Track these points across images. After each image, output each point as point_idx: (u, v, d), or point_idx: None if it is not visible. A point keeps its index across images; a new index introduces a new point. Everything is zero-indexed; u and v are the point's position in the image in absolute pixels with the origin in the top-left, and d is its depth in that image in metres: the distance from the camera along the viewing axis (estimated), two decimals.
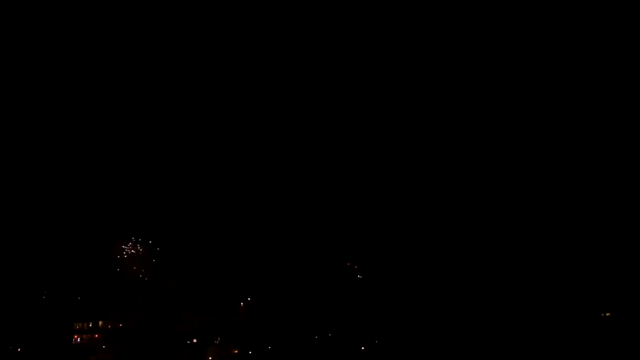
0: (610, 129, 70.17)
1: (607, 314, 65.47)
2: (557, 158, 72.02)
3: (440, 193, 74.77)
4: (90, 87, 73.45)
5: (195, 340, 68.06)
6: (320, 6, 74.13)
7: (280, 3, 74.57)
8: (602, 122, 70.51)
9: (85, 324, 67.95)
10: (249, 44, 76.78)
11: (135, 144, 75.66)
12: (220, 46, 76.79)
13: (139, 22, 73.35)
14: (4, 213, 68.53)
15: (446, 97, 76.28)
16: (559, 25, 71.25)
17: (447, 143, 75.41)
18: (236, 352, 68.14)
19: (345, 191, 76.67)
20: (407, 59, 76.52)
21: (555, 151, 72.13)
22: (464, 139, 75.17)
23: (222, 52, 76.57)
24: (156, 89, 75.16)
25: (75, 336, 67.24)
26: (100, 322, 68.38)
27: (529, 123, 73.26)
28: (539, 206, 71.58)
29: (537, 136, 72.81)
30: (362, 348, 67.39)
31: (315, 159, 78.33)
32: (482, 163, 74.15)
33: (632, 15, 67.45)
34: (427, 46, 75.48)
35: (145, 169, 75.41)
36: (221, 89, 77.44)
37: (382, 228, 75.47)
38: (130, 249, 74.65)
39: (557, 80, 72.34)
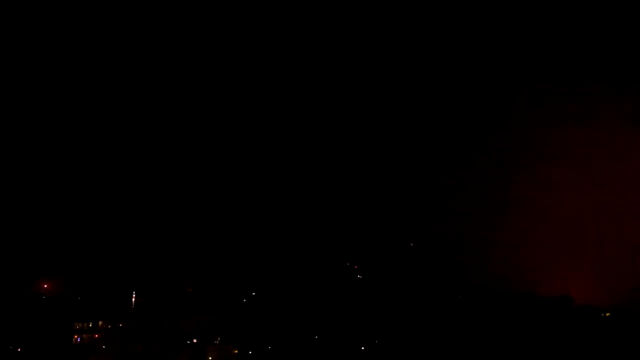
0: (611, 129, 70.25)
1: (607, 314, 65.52)
2: (556, 158, 72.11)
3: (440, 193, 74.81)
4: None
5: (195, 340, 68.06)
6: (320, 6, 74.15)
7: (280, 3, 74.58)
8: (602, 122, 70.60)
9: (85, 324, 67.87)
10: (249, 44, 76.79)
11: (134, 144, 75.74)
12: (218, 47, 76.82)
13: (139, 22, 73.38)
14: (4, 213, 68.54)
15: (446, 97, 76.33)
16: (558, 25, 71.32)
17: (447, 143, 75.45)
18: (236, 352, 68.13)
19: (345, 191, 76.68)
20: (407, 59, 76.56)
21: (554, 151, 72.23)
22: (464, 139, 75.21)
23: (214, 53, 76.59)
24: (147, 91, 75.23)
25: (75, 336, 67.17)
26: (100, 322, 68.32)
27: (527, 123, 73.34)
28: (539, 206, 71.65)
29: (536, 136, 72.89)
30: (362, 348, 67.39)
31: (315, 159, 78.36)
32: (482, 163, 74.19)
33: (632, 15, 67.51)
34: (427, 46, 75.52)
35: (145, 167, 75.49)
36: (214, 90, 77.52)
37: (382, 228, 75.48)
38: (130, 249, 74.59)
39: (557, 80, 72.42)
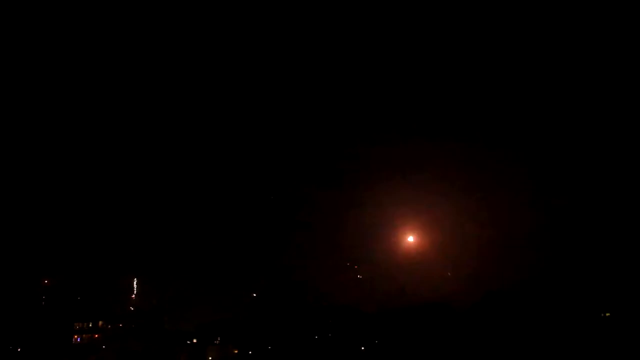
0: (611, 130, 70.26)
1: (607, 314, 65.46)
2: (557, 158, 72.12)
3: (439, 193, 74.85)
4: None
5: (195, 340, 68.16)
6: (320, 6, 74.15)
7: (280, 3, 74.57)
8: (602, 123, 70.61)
9: (85, 324, 68.00)
10: (248, 44, 76.86)
11: (134, 145, 75.90)
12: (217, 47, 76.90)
13: (139, 22, 73.43)
14: (4, 213, 68.66)
15: (446, 97, 76.41)
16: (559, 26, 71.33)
17: (446, 142, 75.45)
18: (236, 352, 68.21)
19: (345, 191, 76.80)
20: (407, 59, 76.64)
21: (555, 151, 72.23)
22: (463, 139, 75.23)
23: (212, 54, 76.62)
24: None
25: (75, 336, 67.30)
26: (100, 322, 68.45)
27: (529, 123, 73.37)
28: (539, 207, 71.66)
29: (537, 137, 72.92)
30: (362, 348, 67.41)
31: (315, 159, 78.52)
32: (480, 163, 74.22)
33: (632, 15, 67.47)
34: (427, 46, 75.59)
35: (146, 169, 75.62)
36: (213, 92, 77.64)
37: (381, 228, 75.54)
38: (130, 250, 74.72)
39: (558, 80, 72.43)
